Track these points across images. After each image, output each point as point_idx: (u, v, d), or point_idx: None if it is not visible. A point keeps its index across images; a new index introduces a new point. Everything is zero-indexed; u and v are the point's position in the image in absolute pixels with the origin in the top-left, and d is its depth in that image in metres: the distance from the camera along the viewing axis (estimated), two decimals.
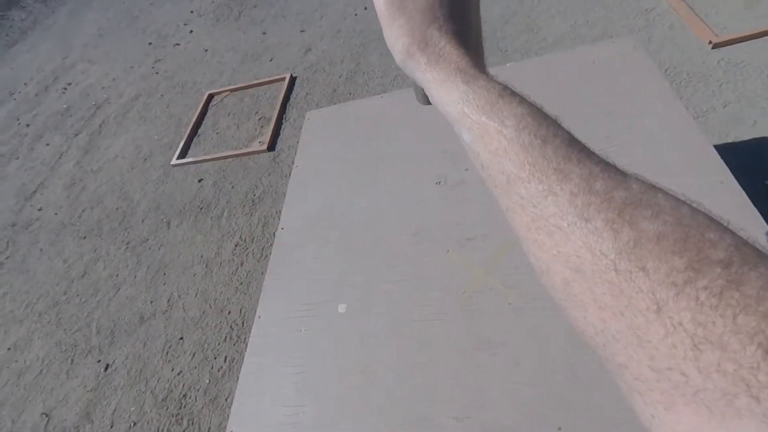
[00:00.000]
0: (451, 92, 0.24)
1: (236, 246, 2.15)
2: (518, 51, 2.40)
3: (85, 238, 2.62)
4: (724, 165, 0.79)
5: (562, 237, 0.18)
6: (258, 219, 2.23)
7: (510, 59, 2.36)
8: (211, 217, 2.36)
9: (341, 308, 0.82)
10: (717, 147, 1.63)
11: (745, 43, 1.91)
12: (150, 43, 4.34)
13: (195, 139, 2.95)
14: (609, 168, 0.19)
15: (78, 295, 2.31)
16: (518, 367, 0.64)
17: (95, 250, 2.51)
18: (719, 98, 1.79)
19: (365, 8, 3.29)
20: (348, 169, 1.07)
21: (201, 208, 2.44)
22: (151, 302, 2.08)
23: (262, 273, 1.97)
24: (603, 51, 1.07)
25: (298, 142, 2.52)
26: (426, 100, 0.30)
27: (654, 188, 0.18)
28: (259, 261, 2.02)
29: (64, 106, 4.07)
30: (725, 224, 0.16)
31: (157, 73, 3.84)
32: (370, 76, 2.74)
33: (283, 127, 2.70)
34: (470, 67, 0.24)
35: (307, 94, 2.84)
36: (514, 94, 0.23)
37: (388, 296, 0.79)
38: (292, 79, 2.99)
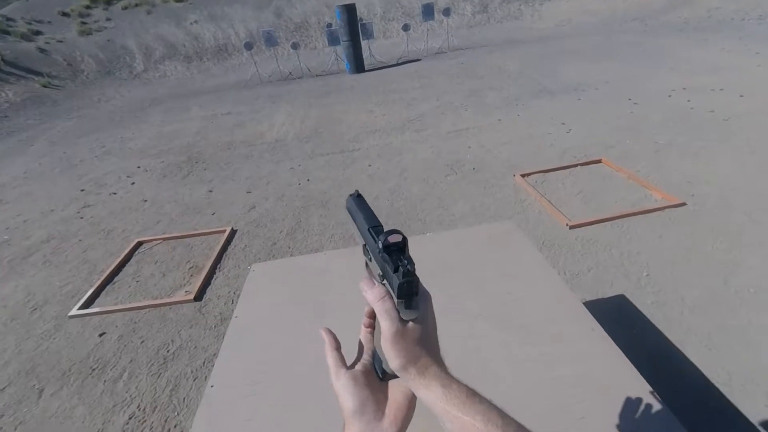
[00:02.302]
0: (434, 393, 0.34)
1: (130, 418, 1.75)
2: (434, 222, 2.95)
3: None
4: (591, 316, 1.04)
5: None
6: (167, 381, 1.93)
7: (428, 228, 2.87)
8: (105, 381, 1.97)
9: None
10: (590, 302, 2.04)
11: (590, 226, 2.66)
12: (82, 190, 4.32)
13: (108, 287, 2.70)
14: None
15: None
16: None
17: None
18: (584, 265, 2.35)
19: (308, 180, 3.89)
20: (290, 321, 1.12)
21: (93, 370, 2.04)
22: None
23: None
24: (494, 229, 1.44)
25: (229, 292, 2.49)
26: (383, 375, 0.41)
27: None
28: None
29: None
30: None
31: (81, 218, 3.72)
32: (309, 233, 3.02)
33: (215, 276, 2.66)
34: (446, 376, 0.36)
35: (245, 246, 2.96)
36: (476, 394, 0.35)
37: None
38: (233, 232, 3.13)
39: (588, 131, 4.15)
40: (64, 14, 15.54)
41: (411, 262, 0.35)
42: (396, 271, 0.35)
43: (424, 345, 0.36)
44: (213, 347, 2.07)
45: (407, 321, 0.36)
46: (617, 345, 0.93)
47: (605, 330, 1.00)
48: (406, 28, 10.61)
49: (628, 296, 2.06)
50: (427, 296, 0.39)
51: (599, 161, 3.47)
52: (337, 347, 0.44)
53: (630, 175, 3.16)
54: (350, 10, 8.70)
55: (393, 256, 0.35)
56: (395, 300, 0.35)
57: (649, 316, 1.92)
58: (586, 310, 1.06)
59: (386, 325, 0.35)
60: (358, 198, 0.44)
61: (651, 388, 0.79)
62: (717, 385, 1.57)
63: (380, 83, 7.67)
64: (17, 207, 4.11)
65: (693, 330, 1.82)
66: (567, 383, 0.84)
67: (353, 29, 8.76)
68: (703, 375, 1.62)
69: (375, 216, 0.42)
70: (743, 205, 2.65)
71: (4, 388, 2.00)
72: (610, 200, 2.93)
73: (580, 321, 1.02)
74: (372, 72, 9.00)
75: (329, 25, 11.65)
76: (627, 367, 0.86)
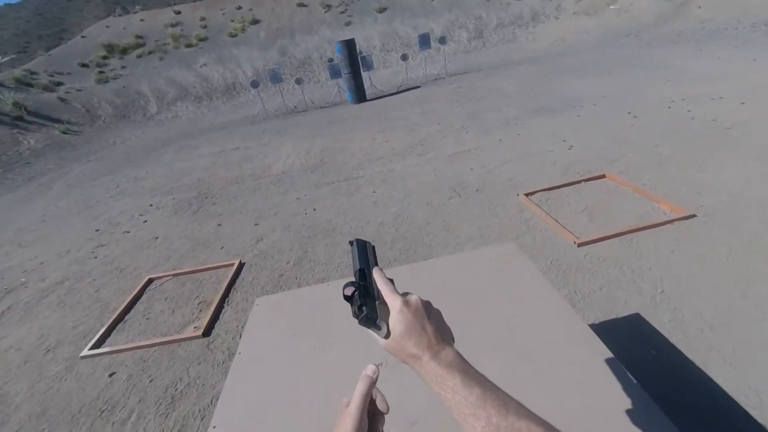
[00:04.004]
0: (452, 379, 0.41)
1: None
2: (439, 245, 2.94)
3: None
4: (599, 340, 1.01)
5: (486, 419, 0.37)
6: (174, 421, 1.90)
7: (433, 252, 2.86)
8: (113, 423, 1.95)
9: None
10: (604, 322, 1.97)
11: (599, 243, 2.61)
12: (97, 230, 4.45)
13: (119, 326, 2.72)
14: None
15: None
16: None
17: None
18: (595, 283, 2.29)
19: (314, 209, 3.95)
20: (294, 356, 1.11)
21: (102, 411, 2.03)
22: None
23: None
24: (495, 252, 1.43)
25: (237, 326, 2.49)
26: (358, 317, 0.48)
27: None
28: None
29: None
30: None
31: (95, 257, 3.81)
32: (315, 262, 3.03)
33: (223, 311, 2.67)
34: (429, 361, 0.43)
35: (253, 278, 2.98)
36: (495, 389, 0.41)
37: None
38: (241, 265, 3.17)
39: (589, 146, 4.17)
40: (83, 65, 16.57)
41: (359, 304, 0.47)
42: (353, 315, 0.47)
43: (406, 342, 0.45)
44: (220, 384, 2.04)
45: (385, 335, 0.47)
46: (635, 367, 0.90)
47: (621, 351, 0.97)
48: (404, 57, 11.00)
49: (643, 314, 2.00)
50: (392, 306, 0.47)
51: (603, 176, 3.46)
52: (372, 386, 0.48)
53: (636, 189, 3.14)
54: (350, 45, 9.09)
55: (351, 302, 0.48)
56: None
57: (667, 335, 1.85)
58: (594, 333, 1.03)
59: (378, 345, 0.48)
60: (352, 246, 0.56)
61: (668, 419, 0.76)
62: (746, 408, 1.48)
63: (382, 111, 7.88)
64: (34, 250, 4.24)
65: (715, 348, 1.74)
66: (575, 413, 0.81)
67: (353, 62, 9.11)
68: (730, 397, 1.53)
69: (358, 262, 0.53)
70: (755, 214, 2.59)
71: (17, 431, 2.00)
72: (618, 215, 2.89)
73: (587, 345, 0.99)
74: (373, 101, 9.27)
75: (331, 60, 12.15)
76: (639, 395, 0.83)
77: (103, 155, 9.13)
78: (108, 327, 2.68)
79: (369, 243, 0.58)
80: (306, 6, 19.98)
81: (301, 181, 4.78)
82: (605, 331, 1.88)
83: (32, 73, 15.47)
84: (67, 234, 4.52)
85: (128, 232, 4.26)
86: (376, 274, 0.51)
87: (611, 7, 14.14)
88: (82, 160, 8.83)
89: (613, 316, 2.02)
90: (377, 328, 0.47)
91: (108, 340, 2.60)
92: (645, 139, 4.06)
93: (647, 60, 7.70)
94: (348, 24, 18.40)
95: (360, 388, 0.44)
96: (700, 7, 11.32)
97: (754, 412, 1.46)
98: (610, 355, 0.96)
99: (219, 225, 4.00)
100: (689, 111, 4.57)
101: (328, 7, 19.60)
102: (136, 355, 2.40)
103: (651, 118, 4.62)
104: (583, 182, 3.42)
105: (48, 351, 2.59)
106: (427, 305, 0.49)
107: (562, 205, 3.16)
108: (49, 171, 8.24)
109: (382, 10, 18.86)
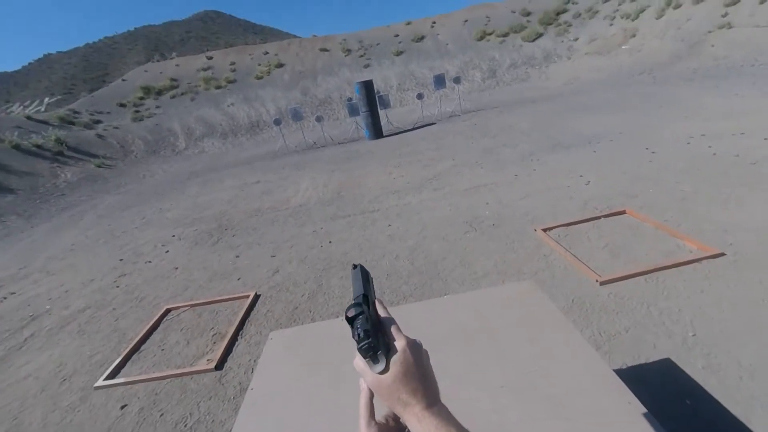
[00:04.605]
0: (412, 426, 0.42)
1: None
2: (455, 280, 2.90)
3: None
4: (626, 387, 0.96)
5: None
6: None
7: (449, 287, 2.81)
8: None
9: None
10: (631, 368, 1.87)
11: (622, 281, 2.52)
12: (121, 260, 4.60)
13: (135, 356, 2.73)
14: None
15: None
16: None
17: None
18: (620, 324, 2.19)
19: (329, 242, 3.99)
20: (307, 392, 1.10)
21: None
22: None
23: None
24: (513, 289, 1.41)
25: (250, 360, 2.47)
26: (360, 343, 0.46)
27: None
28: None
29: None
30: None
31: (117, 286, 3.91)
32: (329, 296, 3.02)
33: (237, 343, 2.66)
34: (421, 411, 0.43)
35: (268, 311, 2.98)
36: (447, 425, 0.41)
37: None
38: (256, 297, 3.18)
39: (607, 182, 4.13)
40: (122, 105, 17.92)
41: (365, 329, 0.44)
42: (354, 336, 0.44)
43: (402, 386, 0.43)
44: (230, 420, 2.00)
45: (381, 372, 0.44)
46: (669, 418, 0.85)
47: (653, 400, 0.92)
48: (420, 96, 11.44)
49: (674, 360, 1.88)
50: (401, 347, 0.45)
51: (623, 212, 3.39)
52: (372, 396, 0.48)
53: (658, 225, 3.05)
54: (368, 86, 9.57)
55: (352, 326, 0.45)
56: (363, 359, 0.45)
57: (702, 383, 1.72)
58: (620, 380, 0.98)
59: (363, 382, 0.46)
60: (353, 270, 0.54)
61: None
62: None
63: (398, 147, 8.11)
64: (61, 278, 4.40)
65: (757, 398, 1.60)
66: None
67: (371, 101, 9.54)
68: None
69: (361, 286, 0.51)
70: None
71: None
72: (640, 252, 2.80)
73: (614, 392, 0.94)
74: (390, 137, 9.57)
75: (350, 99, 12.75)
76: None
77: (132, 188, 9.61)
78: (124, 357, 2.70)
79: (369, 272, 0.57)
80: (328, 51, 21.35)
81: (318, 214, 4.88)
82: (633, 377, 1.77)
83: (75, 112, 16.81)
84: (93, 263, 4.68)
85: (150, 261, 4.38)
86: (379, 308, 0.50)
87: (623, 47, 14.52)
88: (113, 192, 9.31)
89: (642, 361, 1.90)
90: (375, 361, 0.44)
91: (123, 371, 2.60)
92: (665, 175, 4.01)
93: (663, 97, 7.75)
94: (367, 66, 19.44)
95: (386, 315, 0.48)
96: (713, 46, 11.48)
97: None
98: (642, 407, 0.90)
99: (237, 256, 4.08)
100: (710, 147, 4.51)
101: (349, 51, 20.87)
102: (149, 387, 2.39)
103: (670, 154, 4.58)
104: (602, 218, 3.36)
105: (64, 380, 2.61)
106: (427, 355, 0.47)
107: (582, 241, 3.10)
108: (81, 202, 8.70)
109: (399, 53, 19.93)
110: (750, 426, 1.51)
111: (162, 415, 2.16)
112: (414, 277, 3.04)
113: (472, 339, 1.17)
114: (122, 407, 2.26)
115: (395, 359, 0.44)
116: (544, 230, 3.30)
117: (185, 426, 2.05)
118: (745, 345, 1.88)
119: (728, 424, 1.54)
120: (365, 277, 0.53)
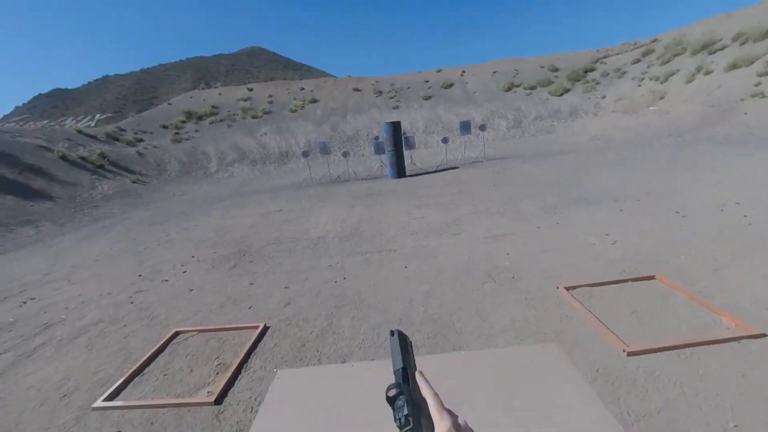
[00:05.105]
0: None
1: None
2: (471, 333, 2.77)
3: None
4: None
5: None
6: None
7: (463, 340, 2.68)
8: None
9: None
10: None
11: (652, 354, 2.34)
12: (140, 275, 4.69)
13: (137, 378, 2.69)
14: None
15: None
16: None
17: None
18: (651, 404, 2.00)
19: (344, 278, 3.95)
20: None
21: None
22: None
23: None
24: (536, 352, 1.33)
25: (251, 397, 2.38)
26: (402, 429, 0.46)
27: None
28: None
29: (11, 319, 3.86)
30: None
31: (132, 303, 3.96)
32: (339, 336, 2.94)
33: (240, 377, 2.58)
34: None
35: (275, 345, 2.91)
36: None
37: None
38: (265, 329, 3.14)
39: (635, 244, 3.98)
40: (164, 126, 19.17)
41: (405, 414, 0.45)
42: (395, 420, 0.45)
43: None
44: None
45: None
46: None
47: None
48: (445, 140, 11.71)
49: None
50: (439, 425, 0.46)
51: (653, 277, 3.23)
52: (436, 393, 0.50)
53: (691, 296, 2.88)
54: (395, 126, 9.91)
55: (393, 407, 0.47)
56: None
57: None
58: None
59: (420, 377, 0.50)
60: (391, 337, 0.56)
61: None
62: None
63: (419, 188, 8.20)
64: (81, 288, 4.51)
65: None
66: None
67: (397, 141, 9.83)
68: None
69: (400, 359, 0.51)
70: None
71: None
72: (671, 324, 2.62)
73: None
74: (412, 177, 9.72)
75: (376, 138, 13.19)
76: None
77: (162, 205, 10.02)
78: (126, 378, 2.66)
79: (408, 338, 0.57)
80: (360, 90, 22.50)
81: (335, 248, 4.89)
82: None
83: (122, 129, 18.08)
84: (113, 276, 4.79)
85: (167, 280, 4.44)
86: (421, 383, 0.50)
87: (651, 108, 14.61)
88: (143, 208, 9.72)
89: None
90: None
91: (123, 393, 2.56)
92: (696, 242, 3.83)
93: (693, 160, 7.62)
94: (396, 107, 20.27)
95: (427, 391, 0.49)
96: (746, 114, 11.38)
97: None
98: None
99: (251, 284, 4.08)
100: (745, 216, 4.33)
101: (380, 92, 21.92)
102: (145, 415, 2.32)
103: (701, 220, 4.41)
104: (630, 282, 3.20)
105: (65, 396, 2.59)
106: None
107: (608, 304, 2.94)
108: (113, 215, 9.10)
109: (427, 98, 20.76)
110: None
111: None
112: (427, 325, 2.94)
113: (488, 402, 1.09)
114: None
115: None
116: (567, 289, 3.16)
117: None
118: None
119: None
120: (404, 346, 0.53)
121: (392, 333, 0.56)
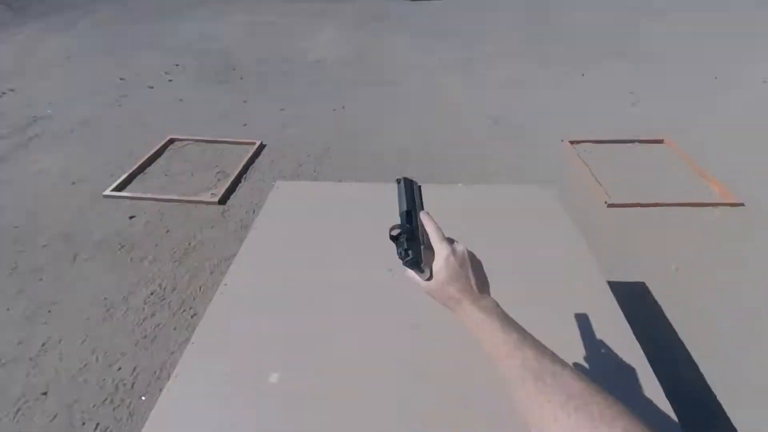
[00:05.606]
0: (491, 323, 0.44)
1: (152, 294, 1.91)
2: (465, 173, 2.83)
3: None
4: (612, 295, 0.98)
5: (521, 359, 0.39)
6: (187, 269, 2.06)
7: (457, 179, 2.76)
8: (132, 258, 2.13)
9: (273, 378, 0.76)
10: (608, 282, 1.95)
11: (632, 208, 2.48)
12: (122, 79, 4.33)
13: (140, 176, 2.80)
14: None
15: None
16: None
17: None
18: (618, 246, 2.24)
19: (343, 107, 3.74)
20: (307, 240, 1.10)
21: (122, 246, 2.20)
22: (19, 343, 1.68)
23: (175, 328, 1.75)
24: (533, 192, 1.34)
25: (252, 202, 2.54)
26: (404, 259, 0.50)
27: (573, 374, 0.37)
28: (175, 315, 1.80)
29: None
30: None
31: (120, 105, 3.77)
32: (335, 161, 2.97)
33: (240, 185, 2.71)
34: (502, 311, 0.47)
35: (272, 161, 2.96)
36: (533, 338, 0.43)
37: (325, 373, 0.76)
38: (262, 146, 3.12)
39: (657, 107, 3.73)
40: None
41: (405, 248, 0.49)
42: (397, 254, 0.49)
43: (449, 287, 0.48)
44: (230, 250, 2.16)
45: (427, 278, 0.50)
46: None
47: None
48: None
49: (648, 284, 1.98)
50: (439, 253, 0.50)
51: (661, 141, 3.16)
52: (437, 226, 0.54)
53: (690, 162, 2.88)
54: None
55: (396, 243, 0.50)
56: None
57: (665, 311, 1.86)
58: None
59: (418, 287, 0.52)
60: (398, 185, 0.57)
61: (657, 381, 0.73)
62: None
63: (435, 15, 6.99)
64: (59, 85, 4.19)
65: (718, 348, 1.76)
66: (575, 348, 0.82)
67: None
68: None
69: (405, 203, 0.54)
70: None
71: (44, 245, 2.20)
72: (662, 184, 2.70)
73: (599, 295, 0.99)
74: (429, 1, 8.17)
75: None
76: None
77: (133, 0, 8.47)
78: (130, 174, 2.76)
79: (415, 183, 0.60)
80: None
81: (335, 75, 4.47)
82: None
83: None
84: (92, 76, 4.41)
85: (152, 87, 4.14)
86: (424, 218, 0.54)
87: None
88: (111, 1, 8.23)
89: (621, 279, 2.01)
90: (420, 271, 0.50)
91: (129, 187, 2.70)
92: (723, 112, 3.61)
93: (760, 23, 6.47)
94: None
95: (430, 225, 0.53)
96: None
97: None
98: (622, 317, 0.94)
99: (244, 102, 3.85)
100: None
101: None
102: (155, 207, 2.51)
103: (738, 92, 4.04)
104: (637, 143, 3.14)
105: (74, 183, 2.72)
106: (471, 256, 0.52)
107: (607, 161, 2.94)
108: (77, 4, 7.73)
109: None
110: (691, 352, 1.69)
111: (168, 231, 2.32)
112: (425, 162, 2.96)
113: (478, 233, 1.15)
114: (131, 217, 2.41)
115: (437, 266, 0.49)
116: (572, 143, 3.10)
117: (189, 245, 2.22)
118: (720, 302, 1.97)
119: (679, 351, 1.72)
120: (409, 191, 0.56)
121: (398, 181, 0.58)
